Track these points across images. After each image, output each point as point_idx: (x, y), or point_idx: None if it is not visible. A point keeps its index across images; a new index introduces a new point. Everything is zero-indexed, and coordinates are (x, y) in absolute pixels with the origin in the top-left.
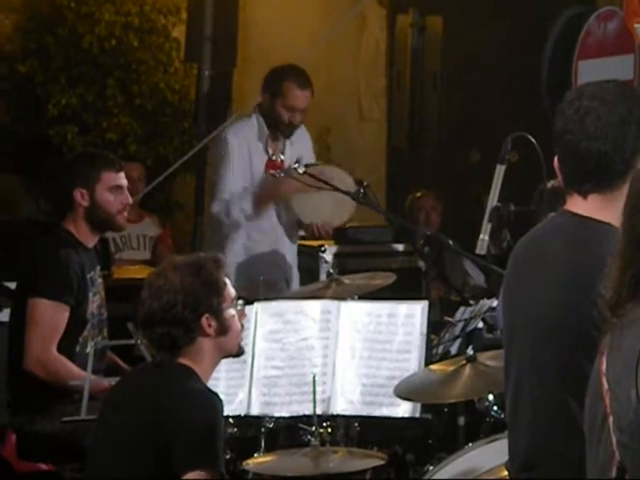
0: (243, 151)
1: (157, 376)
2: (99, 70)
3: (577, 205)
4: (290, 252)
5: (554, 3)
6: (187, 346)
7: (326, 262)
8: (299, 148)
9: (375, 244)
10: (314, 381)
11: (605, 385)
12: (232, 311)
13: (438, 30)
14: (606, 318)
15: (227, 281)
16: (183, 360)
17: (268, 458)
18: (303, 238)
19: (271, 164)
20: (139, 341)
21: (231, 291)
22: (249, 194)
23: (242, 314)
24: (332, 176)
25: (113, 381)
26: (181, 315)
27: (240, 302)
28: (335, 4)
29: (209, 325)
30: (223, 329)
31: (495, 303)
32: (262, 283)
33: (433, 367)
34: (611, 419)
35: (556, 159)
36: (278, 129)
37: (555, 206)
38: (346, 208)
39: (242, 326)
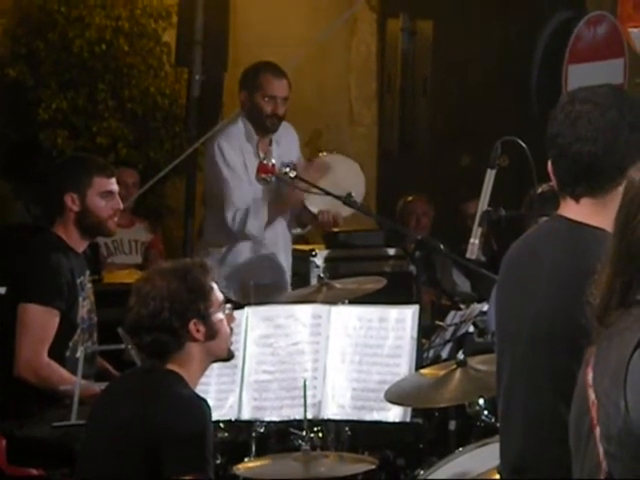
0: (238, 155)
1: (146, 382)
2: (89, 74)
3: (570, 209)
4: (284, 257)
5: (544, 7)
6: (176, 352)
7: (317, 266)
8: (286, 147)
9: (366, 248)
10: (305, 385)
11: (592, 397)
12: (220, 315)
13: (428, 34)
14: (593, 326)
15: (214, 285)
16: (172, 366)
17: (259, 463)
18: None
19: (262, 168)
20: (129, 346)
21: (218, 295)
22: (263, 205)
23: (230, 318)
24: (337, 165)
25: (103, 386)
26: (169, 321)
27: (228, 306)
28: (325, 8)
29: (197, 330)
30: (211, 334)
31: (485, 307)
32: (253, 288)
33: (424, 371)
34: (597, 430)
35: (549, 163)
36: (263, 124)
37: (545, 210)
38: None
39: (231, 330)
